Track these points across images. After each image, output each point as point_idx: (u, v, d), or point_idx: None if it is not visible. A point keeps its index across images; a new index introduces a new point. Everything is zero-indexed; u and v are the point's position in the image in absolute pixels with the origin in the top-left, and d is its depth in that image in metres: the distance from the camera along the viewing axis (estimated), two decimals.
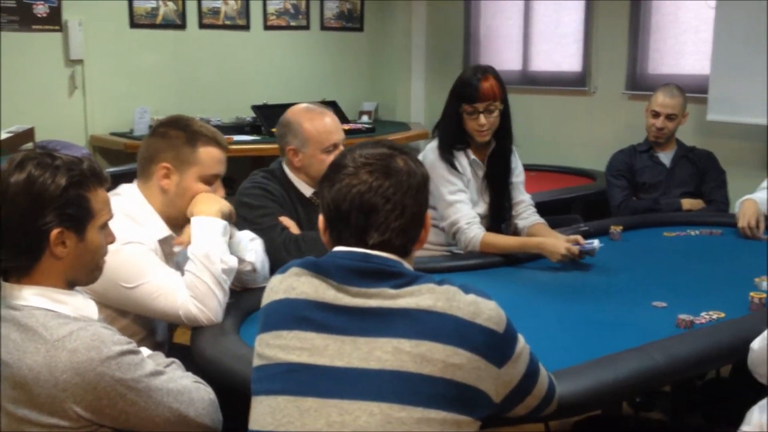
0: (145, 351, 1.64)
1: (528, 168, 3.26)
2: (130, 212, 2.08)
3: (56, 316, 1.52)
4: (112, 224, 1.67)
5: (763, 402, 1.81)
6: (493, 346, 1.37)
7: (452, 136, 2.86)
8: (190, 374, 1.67)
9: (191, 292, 2.01)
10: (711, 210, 3.63)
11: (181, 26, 5.56)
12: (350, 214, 1.43)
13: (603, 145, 4.66)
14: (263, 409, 1.40)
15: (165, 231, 2.15)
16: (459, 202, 2.81)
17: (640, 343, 1.84)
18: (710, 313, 2.13)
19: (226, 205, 2.15)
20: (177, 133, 2.15)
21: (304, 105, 2.69)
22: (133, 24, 5.34)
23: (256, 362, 1.46)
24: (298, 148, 2.58)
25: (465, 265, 2.67)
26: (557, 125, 5.56)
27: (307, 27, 6.17)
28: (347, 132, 3.44)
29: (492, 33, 5.99)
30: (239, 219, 2.56)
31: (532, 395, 1.49)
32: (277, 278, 1.50)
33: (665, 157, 3.85)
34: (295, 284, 1.44)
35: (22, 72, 4.82)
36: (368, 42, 6.49)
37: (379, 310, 1.37)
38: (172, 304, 2.00)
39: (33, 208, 1.52)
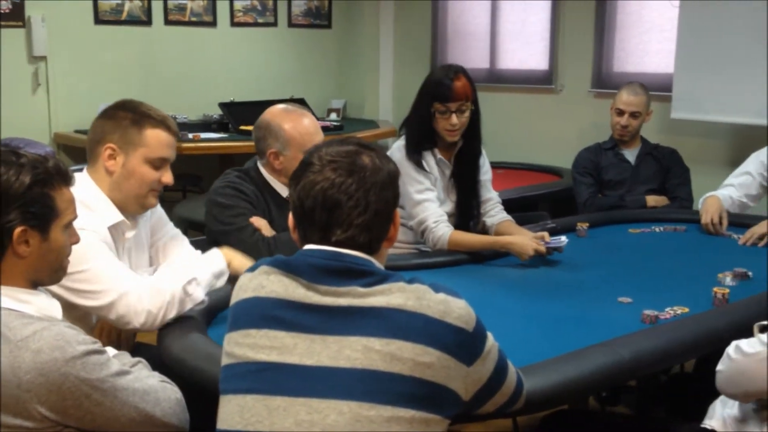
0: (111, 351, 1.63)
1: (495, 166, 3.28)
2: (83, 198, 2.02)
3: (20, 315, 1.50)
4: None
5: (725, 396, 1.85)
6: (463, 344, 1.37)
7: (422, 135, 2.86)
8: (156, 374, 1.65)
9: (149, 290, 1.97)
10: (675, 207, 3.68)
11: (147, 23, 5.51)
12: (314, 210, 1.43)
13: (569, 142, 4.71)
14: (231, 409, 1.39)
15: (116, 216, 2.10)
16: (426, 201, 2.82)
17: (606, 339, 1.86)
18: (674, 308, 2.16)
19: (243, 265, 2.08)
20: (124, 114, 2.11)
21: (281, 106, 2.65)
22: (98, 20, 5.28)
23: (225, 361, 1.45)
24: (280, 151, 2.55)
25: (433, 263, 2.67)
26: (524, 123, 5.59)
27: (274, 24, 6.15)
28: None
29: (459, 31, 6.02)
30: (210, 218, 2.54)
31: (501, 392, 1.49)
32: (246, 276, 1.49)
33: (630, 154, 3.89)
34: (264, 283, 1.44)
35: None
36: (336, 39, 6.48)
37: (349, 309, 1.37)
38: (108, 295, 1.92)
39: None
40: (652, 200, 3.73)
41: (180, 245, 2.32)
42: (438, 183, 2.91)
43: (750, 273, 2.48)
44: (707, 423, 1.90)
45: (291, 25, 6.23)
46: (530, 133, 5.56)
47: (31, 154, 1.56)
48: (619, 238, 3.09)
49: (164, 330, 1.98)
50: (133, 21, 5.43)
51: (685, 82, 4.50)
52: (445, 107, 2.78)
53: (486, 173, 3.04)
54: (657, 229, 3.21)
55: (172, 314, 1.97)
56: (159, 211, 2.31)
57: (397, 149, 2.88)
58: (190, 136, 4.97)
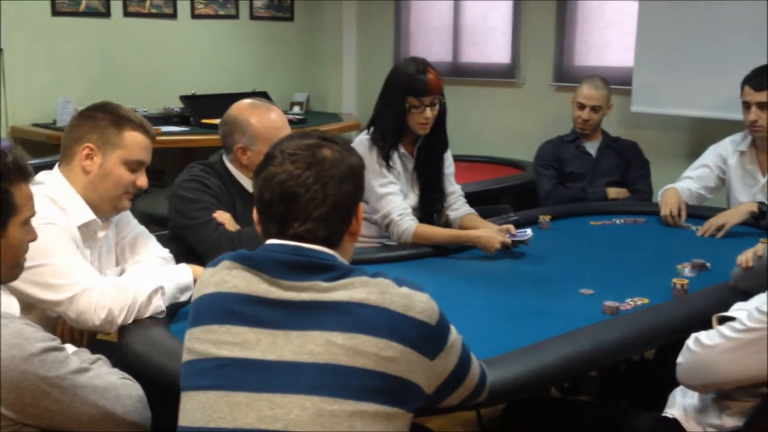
0: (70, 348, 1.60)
1: (458, 159, 3.30)
2: (54, 196, 2.03)
3: None
4: None
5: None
6: (426, 338, 1.38)
7: (395, 131, 2.85)
8: (117, 370, 1.63)
9: (113, 288, 1.95)
10: (635, 199, 3.73)
11: (106, 14, 5.43)
12: (272, 203, 1.43)
13: (531, 135, 4.75)
14: (193, 405, 1.38)
15: (88, 215, 2.09)
16: (391, 194, 2.82)
17: (568, 330, 1.88)
18: (635, 299, 2.19)
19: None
20: (104, 115, 2.12)
21: (248, 101, 2.62)
22: (55, 12, 5.18)
23: (186, 357, 1.44)
24: (247, 146, 2.52)
25: (396, 257, 2.67)
26: (487, 116, 5.62)
27: (236, 16, 6.09)
28: None
29: (422, 24, 6.02)
30: (174, 212, 2.51)
31: (464, 385, 1.50)
32: (208, 272, 1.48)
33: (591, 147, 3.93)
34: (226, 278, 1.43)
35: None
36: (299, 32, 6.44)
37: (312, 304, 1.36)
38: (71, 289, 1.91)
39: None
40: (612, 192, 3.78)
41: (147, 243, 2.30)
42: (401, 177, 2.91)
43: (708, 264, 2.52)
44: (668, 412, 1.93)
45: (253, 17, 6.18)
46: (493, 126, 5.59)
47: None
48: (581, 231, 3.12)
49: (125, 326, 1.96)
50: (91, 13, 5.34)
51: (645, 76, 4.55)
52: (420, 101, 2.78)
53: (449, 167, 3.05)
54: (618, 221, 3.24)
55: (130, 318, 1.96)
56: None
57: (359, 143, 2.87)
58: None
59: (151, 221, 3.42)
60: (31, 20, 5.05)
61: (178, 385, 1.44)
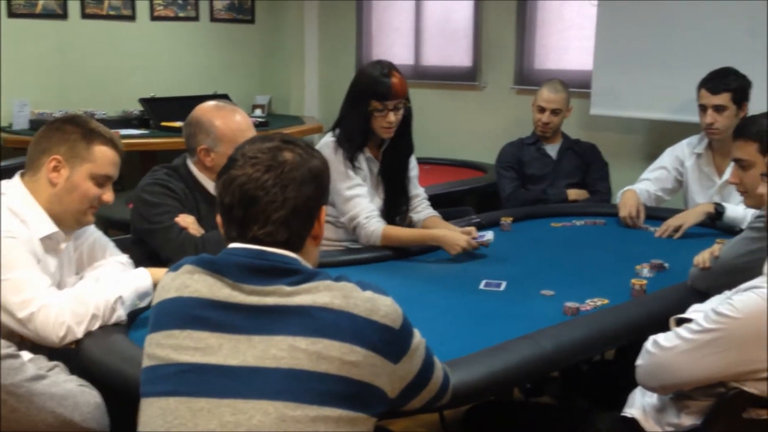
0: (26, 355, 1.58)
1: (421, 161, 3.30)
2: (15, 207, 2.00)
3: None
4: None
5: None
6: (389, 342, 1.37)
7: (360, 134, 2.84)
8: (74, 377, 1.61)
9: (71, 302, 1.91)
10: (595, 200, 3.78)
11: (63, 16, 5.35)
12: (232, 206, 1.42)
13: (493, 138, 4.77)
14: (153, 412, 1.36)
15: (50, 227, 2.06)
16: (358, 197, 2.82)
17: (529, 331, 1.89)
18: (595, 300, 2.21)
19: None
20: (73, 128, 2.10)
21: (212, 102, 2.60)
22: (11, 14, 5.11)
23: (146, 363, 1.42)
24: (211, 148, 2.50)
25: (360, 259, 2.67)
26: (449, 119, 5.65)
27: (196, 18, 6.05)
28: None
29: (384, 26, 6.03)
30: (136, 216, 2.48)
31: (428, 388, 1.50)
32: (169, 276, 1.46)
33: (552, 149, 3.98)
34: (188, 282, 1.41)
35: None
36: (260, 34, 6.41)
37: (275, 308, 1.35)
38: (30, 306, 1.87)
39: None
40: (573, 194, 3.83)
41: (105, 248, 2.27)
42: (368, 180, 2.91)
43: (666, 264, 2.56)
44: (627, 411, 1.95)
45: (213, 19, 6.14)
46: (454, 128, 5.62)
47: None
48: (542, 232, 3.15)
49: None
50: (48, 15, 5.27)
51: (604, 79, 4.61)
52: (383, 105, 2.78)
53: (413, 169, 3.06)
54: (578, 223, 3.28)
55: (92, 328, 1.93)
56: None
57: (325, 145, 2.86)
58: None
59: (109, 225, 3.38)
60: None
61: (138, 392, 1.42)
